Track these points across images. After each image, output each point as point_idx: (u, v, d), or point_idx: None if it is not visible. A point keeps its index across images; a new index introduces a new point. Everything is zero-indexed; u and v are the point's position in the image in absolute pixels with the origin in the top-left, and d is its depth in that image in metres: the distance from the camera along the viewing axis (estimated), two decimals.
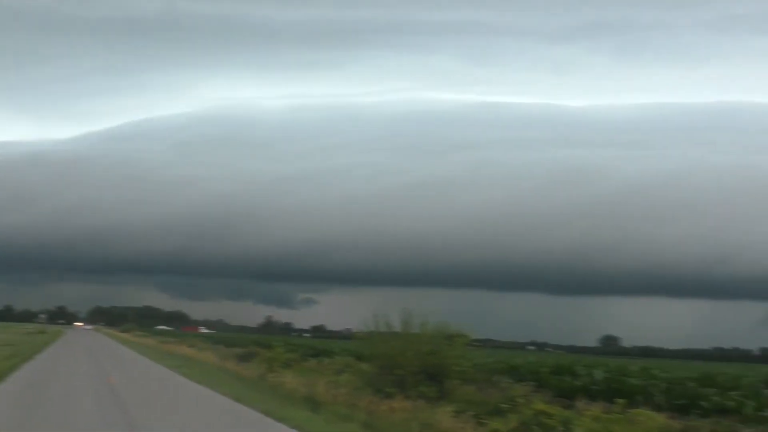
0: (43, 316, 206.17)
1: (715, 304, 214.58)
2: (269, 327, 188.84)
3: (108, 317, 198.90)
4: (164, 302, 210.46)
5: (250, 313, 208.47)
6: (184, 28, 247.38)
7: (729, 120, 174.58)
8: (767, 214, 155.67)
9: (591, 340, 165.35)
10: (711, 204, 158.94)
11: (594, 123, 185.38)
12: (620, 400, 17.15)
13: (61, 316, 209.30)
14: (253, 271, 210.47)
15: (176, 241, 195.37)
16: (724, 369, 43.30)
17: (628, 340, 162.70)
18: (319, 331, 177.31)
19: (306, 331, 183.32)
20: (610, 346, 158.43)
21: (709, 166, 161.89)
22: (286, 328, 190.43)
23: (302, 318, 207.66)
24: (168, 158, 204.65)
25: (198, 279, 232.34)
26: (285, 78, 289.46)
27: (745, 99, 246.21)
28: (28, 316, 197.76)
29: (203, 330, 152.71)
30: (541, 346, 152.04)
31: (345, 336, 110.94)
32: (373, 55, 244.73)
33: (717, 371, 32.44)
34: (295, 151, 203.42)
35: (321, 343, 70.47)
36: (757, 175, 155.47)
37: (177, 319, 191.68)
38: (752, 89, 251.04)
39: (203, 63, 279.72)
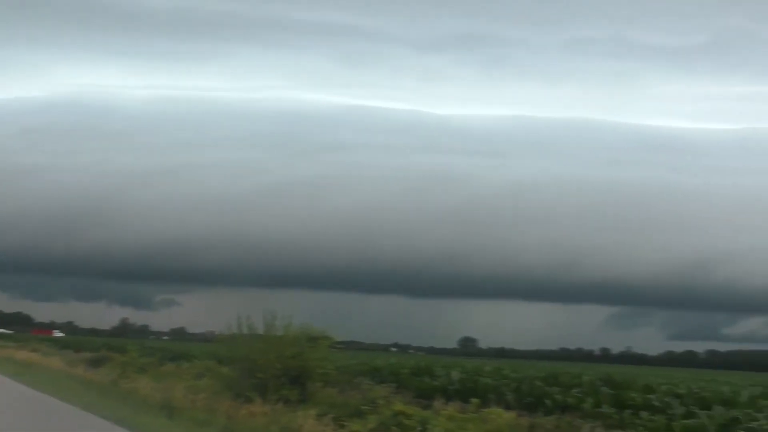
0: None
1: (563, 307, 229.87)
2: (124, 329, 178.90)
3: None
4: (3, 303, 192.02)
5: (104, 315, 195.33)
6: (38, 5, 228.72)
7: (581, 135, 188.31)
8: (611, 223, 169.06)
9: (451, 342, 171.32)
10: (563, 213, 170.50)
11: (460, 131, 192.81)
12: (474, 400, 17.99)
13: None
14: (107, 270, 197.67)
15: (19, 235, 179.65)
16: (569, 368, 46.49)
17: (485, 342, 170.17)
18: (179, 334, 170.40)
19: (165, 333, 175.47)
20: (468, 347, 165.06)
21: (563, 177, 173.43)
22: (143, 331, 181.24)
23: (161, 320, 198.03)
24: (14, 145, 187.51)
25: (44, 278, 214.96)
26: (150, 67, 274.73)
27: (595, 117, 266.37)
28: None
29: (58, 334, 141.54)
30: (404, 348, 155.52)
31: (207, 339, 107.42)
32: (245, 51, 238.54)
33: (562, 370, 34.74)
34: (158, 144, 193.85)
35: (181, 347, 67.80)
36: (603, 187, 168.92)
37: (19, 322, 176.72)
38: (601, 108, 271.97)
39: (60, 44, 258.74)
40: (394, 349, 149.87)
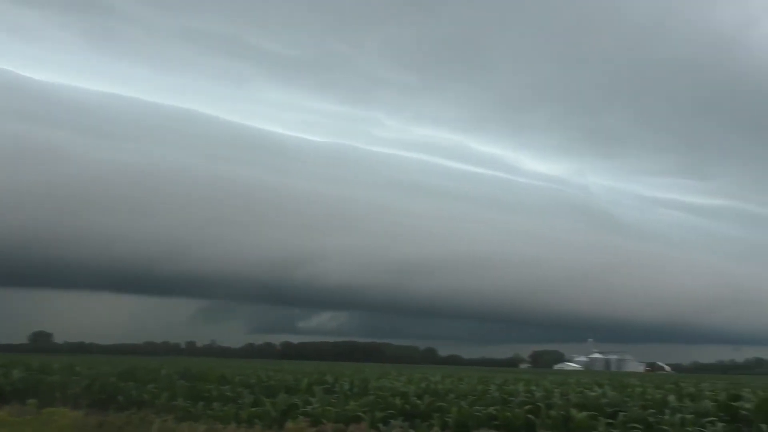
0: None
1: (152, 300, 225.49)
2: None
3: None
4: None
5: None
6: None
7: (188, 126, 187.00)
8: (210, 217, 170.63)
9: (21, 337, 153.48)
10: (163, 203, 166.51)
11: (59, 102, 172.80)
12: (32, 401, 16.34)
13: None
14: None
15: None
16: (151, 363, 45.71)
17: (61, 336, 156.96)
18: None
19: None
20: (41, 342, 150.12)
21: (167, 166, 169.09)
22: None
23: None
24: None
25: None
26: None
27: (204, 110, 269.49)
28: None
29: None
30: None
31: None
32: None
33: (141, 365, 34.04)
34: None
35: None
36: (206, 181, 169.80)
37: None
38: (210, 102, 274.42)
39: None
40: None
